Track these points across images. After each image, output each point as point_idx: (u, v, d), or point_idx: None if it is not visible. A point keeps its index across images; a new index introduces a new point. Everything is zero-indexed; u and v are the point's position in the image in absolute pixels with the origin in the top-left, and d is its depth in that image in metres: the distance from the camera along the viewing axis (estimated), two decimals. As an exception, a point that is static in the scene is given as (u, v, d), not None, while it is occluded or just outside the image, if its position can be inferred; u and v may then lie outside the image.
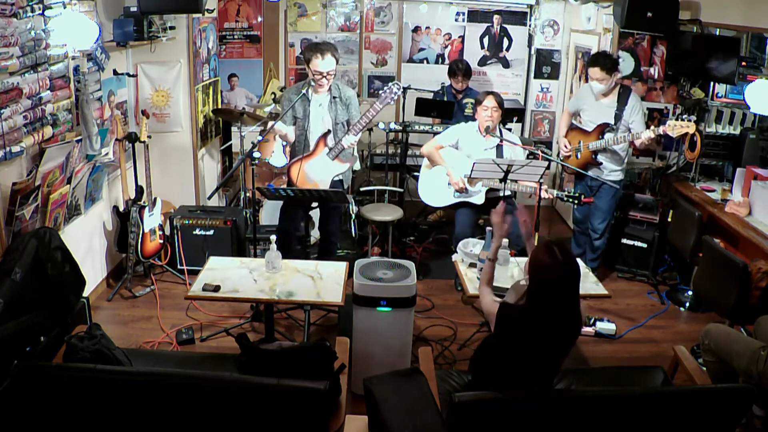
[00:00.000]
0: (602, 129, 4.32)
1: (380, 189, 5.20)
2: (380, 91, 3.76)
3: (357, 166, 5.42)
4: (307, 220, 4.32)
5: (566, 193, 3.85)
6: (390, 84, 3.76)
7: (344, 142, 3.86)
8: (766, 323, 3.04)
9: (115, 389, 2.19)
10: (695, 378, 2.77)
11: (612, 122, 4.29)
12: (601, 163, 4.37)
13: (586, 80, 5.60)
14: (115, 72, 4.14)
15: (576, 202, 3.80)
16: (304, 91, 3.87)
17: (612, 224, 4.61)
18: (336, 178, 3.99)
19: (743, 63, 4.50)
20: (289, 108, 3.88)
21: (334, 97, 3.93)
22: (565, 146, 4.55)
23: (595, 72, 4.23)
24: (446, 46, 6.37)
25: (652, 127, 4.09)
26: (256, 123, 4.88)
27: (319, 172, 3.93)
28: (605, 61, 4.23)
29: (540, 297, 2.23)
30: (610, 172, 4.38)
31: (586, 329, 4.02)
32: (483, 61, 6.38)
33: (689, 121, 3.96)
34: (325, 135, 3.92)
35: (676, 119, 4.02)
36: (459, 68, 5.47)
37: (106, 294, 4.27)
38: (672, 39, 4.76)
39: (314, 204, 4.27)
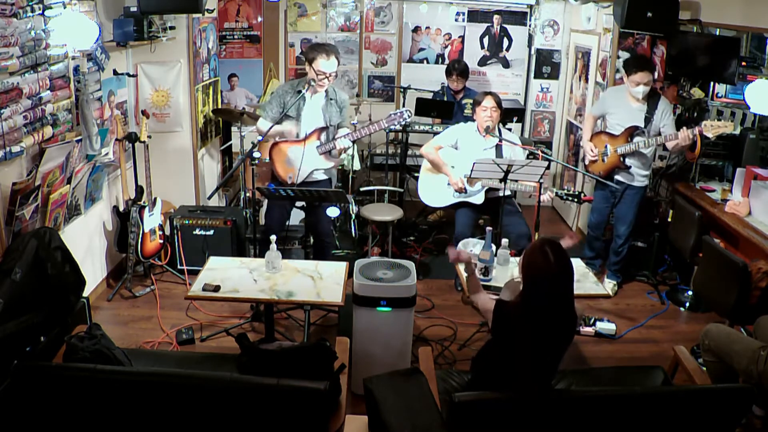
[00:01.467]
0: (631, 132, 4.27)
1: (380, 189, 5.21)
2: (392, 113, 3.78)
3: (357, 166, 5.42)
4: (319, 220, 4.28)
5: (566, 191, 3.84)
6: (403, 109, 3.78)
7: (339, 144, 3.83)
8: (766, 323, 3.04)
9: (115, 389, 2.19)
10: (695, 378, 2.77)
11: (642, 125, 4.25)
12: (630, 167, 4.32)
13: (587, 80, 5.64)
14: (115, 72, 4.14)
15: (576, 200, 3.80)
16: (302, 89, 3.86)
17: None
18: (320, 177, 3.97)
19: (743, 63, 4.49)
20: (295, 107, 3.85)
21: (331, 99, 3.92)
22: (591, 150, 4.45)
23: (644, 76, 4.13)
24: (446, 46, 6.37)
25: (686, 129, 4.02)
26: (256, 123, 4.88)
27: (300, 160, 3.86)
28: (649, 63, 4.21)
29: (534, 297, 2.23)
30: (638, 176, 4.35)
31: (586, 329, 4.02)
32: (483, 61, 6.38)
33: (726, 120, 3.92)
34: (321, 129, 3.90)
35: (713, 119, 3.98)
36: (455, 68, 5.48)
37: (106, 294, 4.27)
38: (672, 39, 4.76)
39: (298, 204, 4.24)
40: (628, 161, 4.31)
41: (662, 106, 4.24)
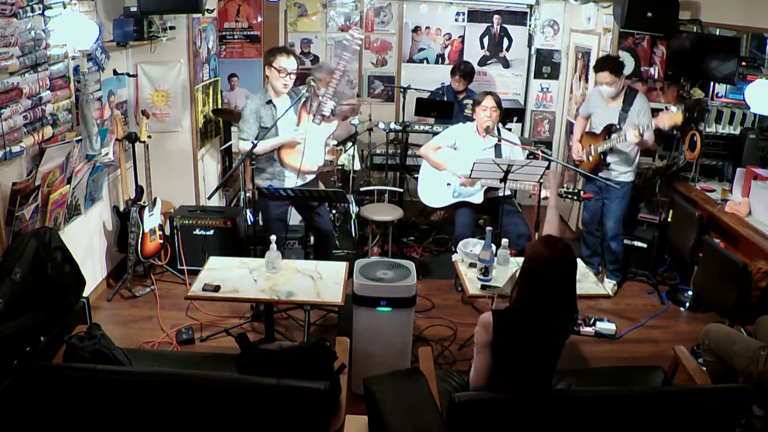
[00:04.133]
0: (608, 130, 4.32)
1: (380, 189, 5.21)
2: (344, 40, 3.70)
3: (357, 166, 5.42)
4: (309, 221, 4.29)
5: (565, 189, 3.85)
6: (350, 29, 3.65)
7: (324, 109, 3.79)
8: (766, 323, 3.04)
9: (115, 389, 2.19)
10: (695, 378, 2.77)
11: (616, 122, 4.29)
12: (610, 164, 4.36)
13: (587, 80, 5.64)
14: (115, 72, 4.14)
15: (575, 198, 3.80)
16: (271, 99, 3.80)
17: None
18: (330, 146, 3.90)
19: (743, 63, 4.50)
20: (270, 117, 3.81)
21: (300, 99, 3.89)
22: (578, 152, 4.54)
23: (604, 76, 4.20)
24: (446, 46, 6.37)
25: (633, 128, 4.08)
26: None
27: (311, 141, 3.82)
28: (612, 65, 4.23)
29: (533, 287, 2.22)
30: (620, 173, 4.38)
31: (586, 329, 4.02)
32: (483, 61, 6.38)
33: (677, 110, 3.97)
34: (304, 103, 3.86)
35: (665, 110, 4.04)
36: (459, 68, 5.49)
37: (106, 294, 4.27)
38: (672, 39, 4.76)
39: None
40: (609, 158, 4.36)
41: (639, 103, 4.27)
